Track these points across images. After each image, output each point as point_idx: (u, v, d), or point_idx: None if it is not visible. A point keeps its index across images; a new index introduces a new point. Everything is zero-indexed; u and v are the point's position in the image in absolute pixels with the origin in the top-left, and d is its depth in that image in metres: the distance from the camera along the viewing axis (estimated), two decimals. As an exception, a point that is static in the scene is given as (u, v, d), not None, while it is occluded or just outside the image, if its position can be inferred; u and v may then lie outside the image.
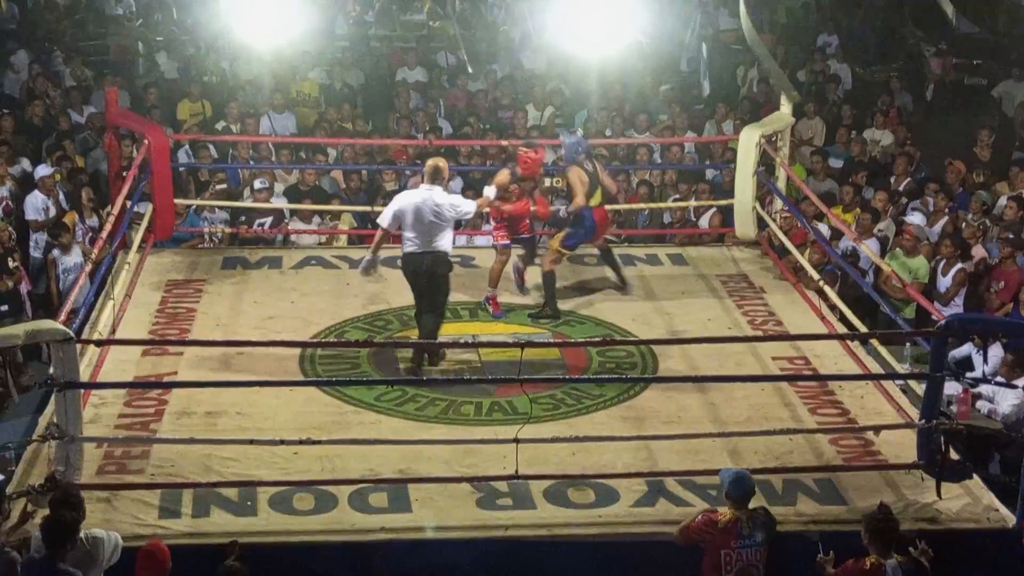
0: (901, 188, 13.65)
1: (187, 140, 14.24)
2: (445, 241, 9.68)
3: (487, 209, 10.75)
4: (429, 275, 9.70)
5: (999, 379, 9.62)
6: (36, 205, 12.64)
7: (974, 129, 14.73)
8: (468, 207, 9.85)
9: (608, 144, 14.47)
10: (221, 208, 13.06)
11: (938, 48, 17.49)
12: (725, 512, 7.17)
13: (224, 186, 13.23)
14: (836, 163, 14.61)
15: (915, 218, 12.66)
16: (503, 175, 10.73)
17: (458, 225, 10.42)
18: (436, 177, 9.70)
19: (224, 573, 6.81)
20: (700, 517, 7.20)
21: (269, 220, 12.95)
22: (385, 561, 7.60)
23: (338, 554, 7.61)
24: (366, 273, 10.01)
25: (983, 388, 9.76)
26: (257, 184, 13.07)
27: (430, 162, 9.85)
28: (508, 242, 10.93)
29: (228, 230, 12.81)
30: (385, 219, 9.79)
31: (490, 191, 10.40)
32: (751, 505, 7.24)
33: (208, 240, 12.75)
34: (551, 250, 10.93)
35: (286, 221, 13.09)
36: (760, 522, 7.14)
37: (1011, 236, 11.71)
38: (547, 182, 13.72)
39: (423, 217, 9.57)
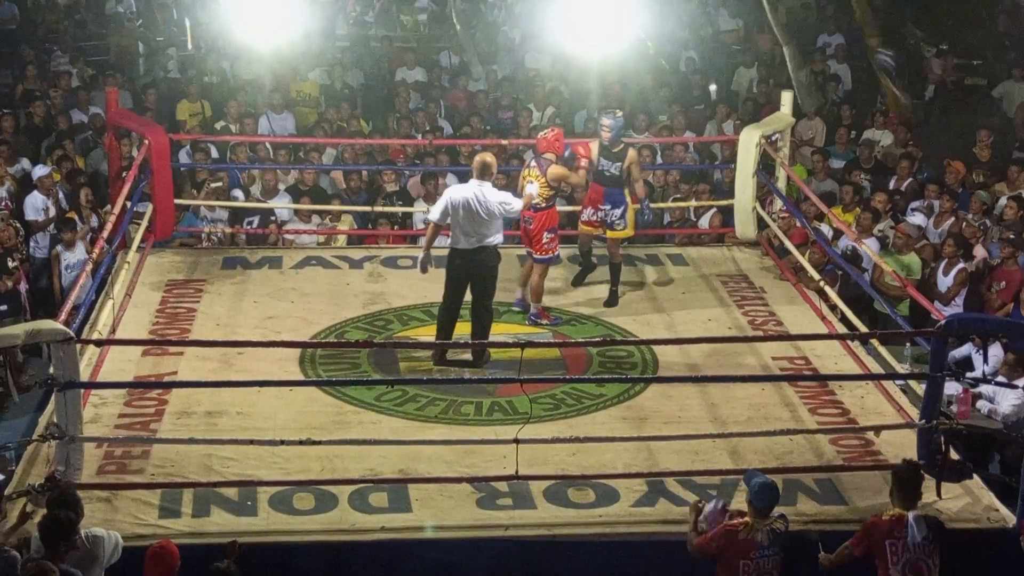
0: (903, 188, 13.64)
1: (187, 140, 14.23)
2: (494, 236, 9.74)
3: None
4: (477, 270, 9.76)
5: (1000, 379, 9.62)
6: (36, 205, 12.65)
7: (975, 129, 14.72)
8: (517, 206, 9.91)
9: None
10: (220, 208, 13.03)
11: (939, 48, 17.46)
12: (745, 522, 7.09)
13: (220, 184, 13.20)
14: (836, 164, 14.60)
15: (916, 218, 12.66)
16: (555, 169, 10.43)
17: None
18: (484, 173, 9.72)
19: (214, 573, 6.78)
20: (716, 530, 7.13)
21: (256, 219, 12.94)
22: (385, 561, 7.60)
23: (338, 554, 7.60)
24: (424, 270, 9.92)
25: (983, 388, 9.76)
26: (240, 195, 13.07)
27: (478, 158, 9.92)
28: (558, 254, 10.67)
29: (228, 230, 12.81)
30: (435, 214, 9.83)
31: (532, 188, 10.29)
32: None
33: (207, 240, 12.74)
34: (616, 241, 11.06)
35: (273, 219, 13.05)
36: (780, 532, 7.06)
37: (1012, 236, 11.71)
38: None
39: (472, 212, 9.61)
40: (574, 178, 10.78)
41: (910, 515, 7.20)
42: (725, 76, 17.99)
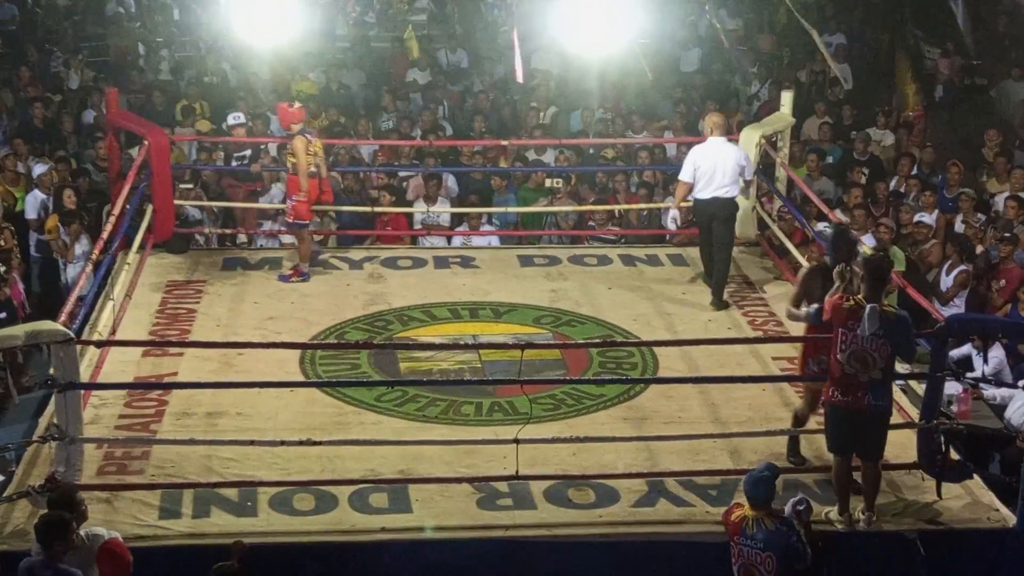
0: (902, 189, 13.64)
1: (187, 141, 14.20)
2: (732, 189, 10.91)
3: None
4: (717, 218, 10.99)
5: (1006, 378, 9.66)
6: (35, 205, 12.62)
7: (978, 129, 14.74)
8: (750, 174, 11.22)
9: (601, 144, 14.47)
10: (194, 207, 12.94)
11: (944, 49, 17.47)
12: (742, 507, 7.17)
13: (191, 186, 13.10)
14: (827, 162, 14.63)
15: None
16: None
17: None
18: (723, 128, 11.16)
19: (218, 573, 6.78)
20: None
21: (248, 153, 12.84)
22: (385, 561, 7.60)
23: (338, 554, 7.61)
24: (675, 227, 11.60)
25: (996, 390, 9.77)
26: (231, 120, 12.89)
27: (715, 116, 11.27)
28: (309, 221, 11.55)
29: (214, 230, 12.76)
30: (686, 175, 11.01)
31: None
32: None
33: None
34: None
35: (261, 157, 13.00)
36: (767, 529, 6.99)
37: (1007, 235, 11.71)
38: (548, 182, 13.76)
39: (717, 167, 10.85)
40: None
41: (867, 307, 7.51)
42: (720, 76, 17.96)
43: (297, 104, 11.60)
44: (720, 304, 11.02)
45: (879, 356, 7.59)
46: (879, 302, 7.59)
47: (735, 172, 10.90)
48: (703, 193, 10.95)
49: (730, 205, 11.05)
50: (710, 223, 11.10)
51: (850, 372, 7.60)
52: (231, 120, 12.95)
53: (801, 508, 7.12)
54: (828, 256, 8.31)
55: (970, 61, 17.35)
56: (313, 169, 11.29)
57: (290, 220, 11.52)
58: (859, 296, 7.61)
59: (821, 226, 10.63)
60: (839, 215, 11.92)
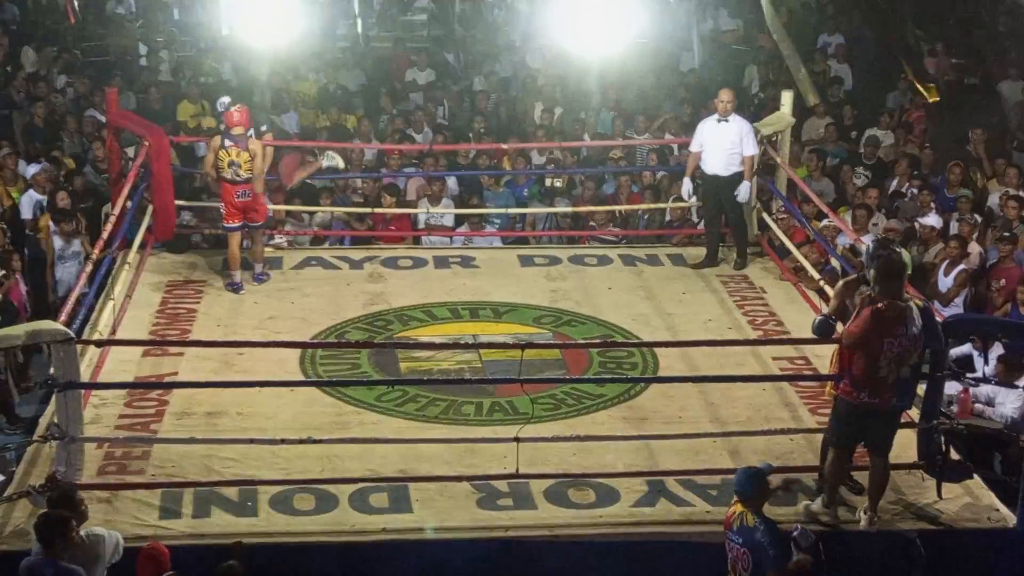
0: (903, 189, 13.65)
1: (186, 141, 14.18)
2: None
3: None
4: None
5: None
6: (31, 205, 12.59)
7: (970, 128, 14.76)
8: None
9: (605, 146, 14.48)
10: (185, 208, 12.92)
11: (931, 48, 17.46)
12: (735, 504, 7.14)
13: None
14: (832, 162, 14.61)
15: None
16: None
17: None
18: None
19: (221, 574, 6.79)
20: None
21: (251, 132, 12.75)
22: (385, 561, 7.61)
23: (338, 554, 7.61)
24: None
25: (983, 388, 9.75)
26: (220, 107, 12.88)
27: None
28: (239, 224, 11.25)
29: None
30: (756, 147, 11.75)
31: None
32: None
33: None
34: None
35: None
36: (745, 525, 6.91)
37: (1006, 234, 11.71)
38: (548, 181, 13.76)
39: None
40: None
41: (913, 308, 7.49)
42: (723, 76, 17.94)
43: (233, 107, 11.31)
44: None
45: (914, 350, 7.58)
46: (905, 299, 7.54)
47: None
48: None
49: None
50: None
51: (883, 376, 7.51)
52: (220, 107, 12.86)
53: (795, 534, 6.96)
54: (866, 269, 7.95)
55: (961, 61, 17.33)
56: (226, 174, 10.99)
57: (257, 223, 11.37)
58: (893, 300, 7.48)
59: (867, 239, 10.06)
60: (841, 216, 11.96)
